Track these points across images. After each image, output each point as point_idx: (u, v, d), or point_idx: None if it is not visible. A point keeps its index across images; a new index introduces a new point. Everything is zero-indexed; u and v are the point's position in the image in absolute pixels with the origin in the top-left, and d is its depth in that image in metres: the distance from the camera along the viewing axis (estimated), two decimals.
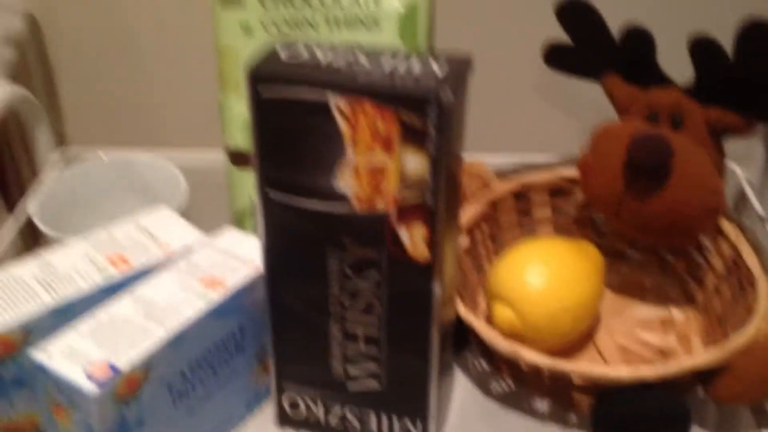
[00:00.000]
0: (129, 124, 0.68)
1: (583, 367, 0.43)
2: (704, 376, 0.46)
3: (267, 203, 0.39)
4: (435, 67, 0.36)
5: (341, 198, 0.37)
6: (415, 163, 0.35)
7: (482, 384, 0.50)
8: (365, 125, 0.35)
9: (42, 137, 0.57)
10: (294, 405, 0.45)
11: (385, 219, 0.37)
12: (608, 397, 0.45)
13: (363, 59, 0.36)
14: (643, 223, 0.51)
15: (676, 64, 0.52)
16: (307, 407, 0.44)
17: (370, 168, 0.36)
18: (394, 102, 0.34)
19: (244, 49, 0.54)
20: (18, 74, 0.59)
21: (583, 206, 0.60)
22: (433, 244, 0.37)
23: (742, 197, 0.61)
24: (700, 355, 0.44)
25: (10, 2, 0.57)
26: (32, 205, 0.52)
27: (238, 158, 0.56)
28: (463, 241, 0.55)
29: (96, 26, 0.64)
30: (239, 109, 0.55)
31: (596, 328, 0.55)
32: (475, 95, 0.64)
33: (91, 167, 0.57)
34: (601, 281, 0.53)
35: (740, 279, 0.51)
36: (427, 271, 0.38)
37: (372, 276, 0.39)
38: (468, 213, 0.55)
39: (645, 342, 0.54)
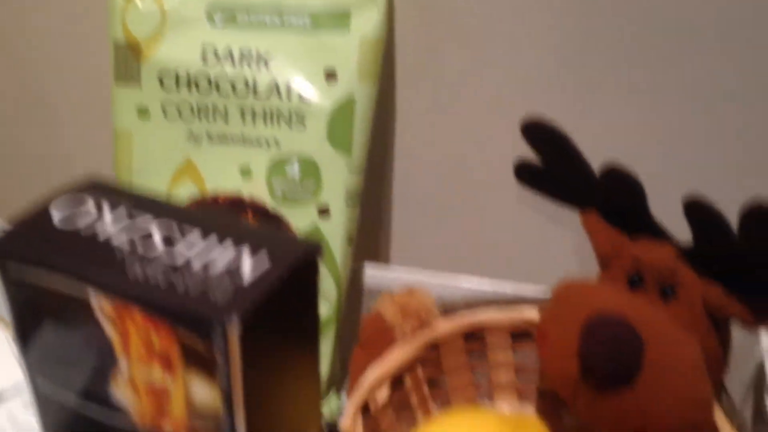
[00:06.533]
0: None
1: None
2: None
3: (39, 395, 0.30)
4: (247, 264, 0.26)
5: (119, 409, 0.28)
6: (204, 390, 0.26)
7: None
8: (136, 336, 0.26)
9: None
10: None
11: None
12: None
13: (157, 237, 0.27)
14: (598, 421, 0.39)
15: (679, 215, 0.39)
16: None
17: (149, 385, 0.27)
18: (167, 317, 0.25)
19: (140, 136, 0.45)
20: None
21: None
22: None
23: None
24: None
25: None
26: None
27: None
28: (381, 393, 0.44)
29: None
30: None
31: None
32: (453, 210, 0.53)
33: None
34: None
35: None
36: None
37: None
38: (395, 358, 0.45)
39: None
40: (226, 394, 0.25)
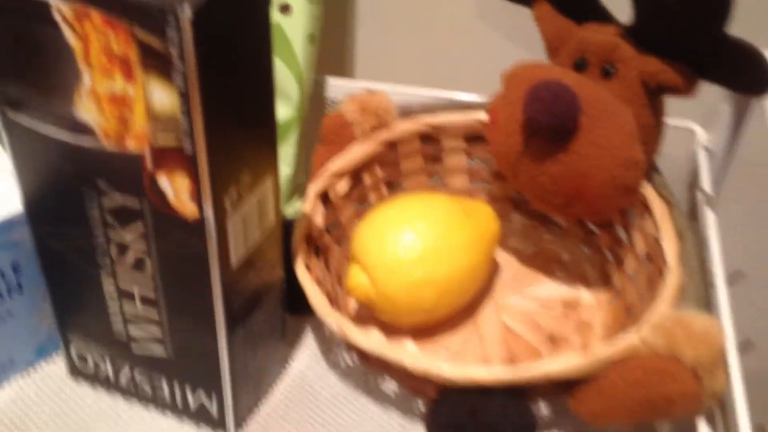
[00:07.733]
0: None
1: (410, 358, 0.36)
2: (568, 384, 0.38)
3: (9, 125, 0.31)
4: None
5: (85, 129, 0.30)
6: (163, 96, 0.28)
7: (329, 355, 0.44)
8: (97, 42, 0.27)
9: None
10: (82, 358, 0.39)
11: (140, 162, 0.30)
12: (446, 395, 0.38)
13: None
14: (538, 191, 0.42)
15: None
16: (96, 363, 0.39)
17: (112, 96, 0.28)
18: (124, 14, 0.26)
19: None
20: None
21: None
22: (199, 198, 0.30)
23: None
24: (557, 361, 0.36)
25: None
26: None
27: None
28: (341, 185, 0.47)
29: None
30: None
31: (482, 304, 0.47)
32: (408, 20, 0.54)
33: None
34: (489, 253, 0.45)
35: (659, 268, 0.42)
36: (197, 229, 0.31)
37: (137, 228, 0.32)
38: (354, 154, 0.47)
39: (537, 325, 0.46)
40: (184, 95, 0.27)
